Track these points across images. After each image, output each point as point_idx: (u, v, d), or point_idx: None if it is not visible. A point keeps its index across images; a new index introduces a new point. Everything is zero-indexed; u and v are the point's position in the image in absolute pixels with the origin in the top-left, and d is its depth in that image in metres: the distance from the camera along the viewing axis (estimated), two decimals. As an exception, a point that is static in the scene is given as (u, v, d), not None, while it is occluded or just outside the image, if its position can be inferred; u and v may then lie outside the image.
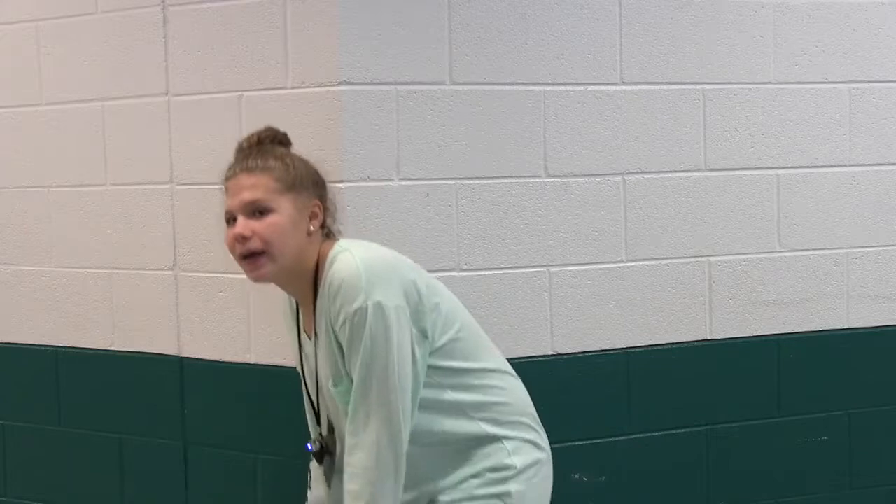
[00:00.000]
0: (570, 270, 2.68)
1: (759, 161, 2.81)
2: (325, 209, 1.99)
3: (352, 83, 2.48)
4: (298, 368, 2.11)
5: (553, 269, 2.66)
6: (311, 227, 1.94)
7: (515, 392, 2.06)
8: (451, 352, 1.96)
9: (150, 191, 2.77)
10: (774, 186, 2.82)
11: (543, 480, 2.06)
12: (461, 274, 2.58)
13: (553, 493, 2.72)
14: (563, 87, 2.65)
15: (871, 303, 2.91)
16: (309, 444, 2.08)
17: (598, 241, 2.69)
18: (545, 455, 2.05)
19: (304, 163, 1.99)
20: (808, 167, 2.85)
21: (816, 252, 2.86)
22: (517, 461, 1.98)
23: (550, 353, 2.67)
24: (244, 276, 2.71)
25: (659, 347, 2.75)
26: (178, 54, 2.70)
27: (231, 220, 1.92)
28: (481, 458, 1.98)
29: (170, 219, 2.75)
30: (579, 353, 2.69)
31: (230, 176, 1.95)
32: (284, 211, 1.90)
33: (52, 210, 2.93)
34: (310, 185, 1.97)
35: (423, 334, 1.91)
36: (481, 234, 2.61)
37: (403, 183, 2.55)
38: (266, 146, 1.98)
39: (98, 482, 2.90)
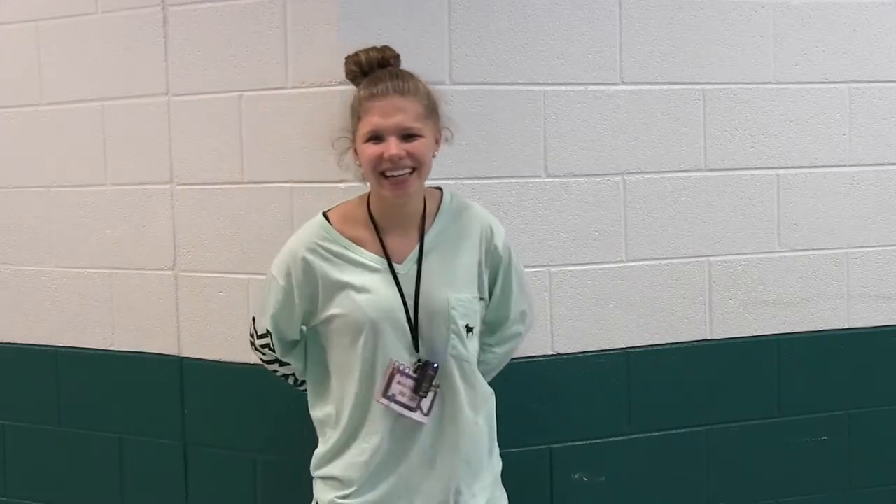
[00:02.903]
0: (570, 270, 2.68)
1: (759, 161, 2.81)
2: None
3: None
4: (376, 303, 2.05)
5: (553, 269, 2.66)
6: (436, 152, 2.08)
7: None
8: None
9: (150, 191, 2.77)
10: (774, 186, 2.82)
11: None
12: (461, 274, 2.57)
13: (553, 493, 2.72)
14: (563, 87, 2.65)
15: (871, 303, 2.91)
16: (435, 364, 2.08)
17: (598, 241, 2.69)
18: None
19: (432, 88, 2.09)
20: (808, 167, 2.85)
21: (816, 252, 2.86)
22: None
23: (550, 353, 2.67)
24: (244, 277, 2.71)
25: (659, 347, 2.75)
26: (178, 54, 2.70)
27: (374, 138, 1.99)
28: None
29: (170, 219, 2.75)
30: (579, 353, 2.69)
31: (379, 93, 2.00)
32: (428, 136, 2.04)
33: (52, 210, 2.93)
34: (439, 112, 2.09)
35: None
36: (481, 234, 2.60)
37: (403, 183, 2.54)
38: (398, 68, 2.08)
39: (98, 482, 2.90)
